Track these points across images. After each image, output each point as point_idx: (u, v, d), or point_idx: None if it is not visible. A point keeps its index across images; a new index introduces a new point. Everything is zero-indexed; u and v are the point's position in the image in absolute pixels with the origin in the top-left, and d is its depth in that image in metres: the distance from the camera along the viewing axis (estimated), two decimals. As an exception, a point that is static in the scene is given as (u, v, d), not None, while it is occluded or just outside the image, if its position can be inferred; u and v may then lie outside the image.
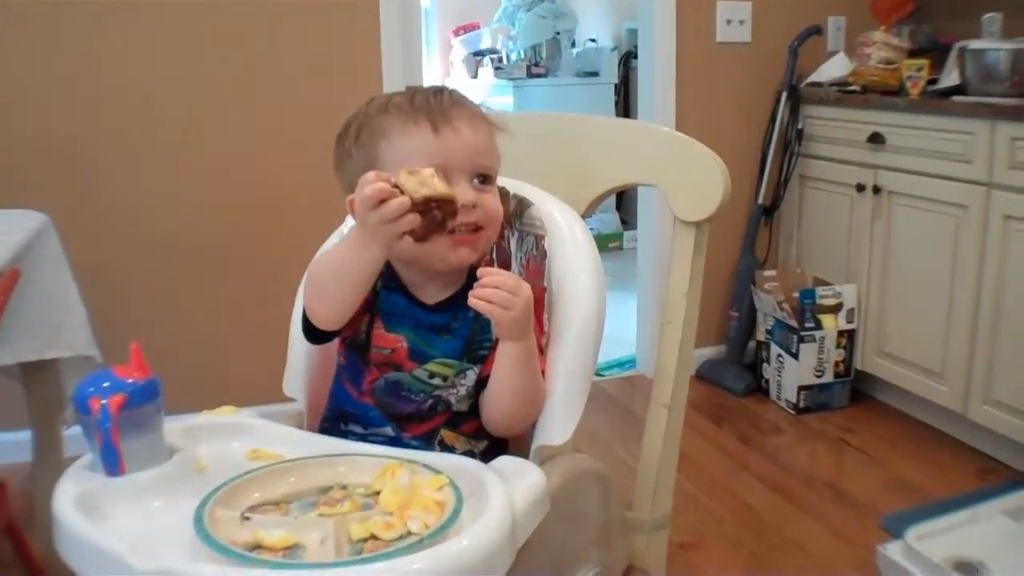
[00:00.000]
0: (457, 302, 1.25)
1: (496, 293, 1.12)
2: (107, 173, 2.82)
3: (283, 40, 2.91)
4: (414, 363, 1.25)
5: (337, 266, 1.16)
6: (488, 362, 1.24)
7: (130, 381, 1.05)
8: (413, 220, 1.08)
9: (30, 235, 1.84)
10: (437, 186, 1.09)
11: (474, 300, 1.13)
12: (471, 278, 1.22)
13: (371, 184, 1.07)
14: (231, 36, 2.86)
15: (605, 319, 1.27)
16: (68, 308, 1.98)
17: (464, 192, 1.19)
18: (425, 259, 1.23)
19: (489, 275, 1.14)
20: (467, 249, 1.23)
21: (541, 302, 1.29)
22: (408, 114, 1.22)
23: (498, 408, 1.24)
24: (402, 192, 1.07)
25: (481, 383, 1.25)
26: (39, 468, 2.10)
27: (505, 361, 1.20)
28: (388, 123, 1.23)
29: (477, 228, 1.22)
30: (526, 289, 1.15)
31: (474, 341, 1.25)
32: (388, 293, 1.27)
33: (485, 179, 1.24)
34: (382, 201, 1.06)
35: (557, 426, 1.22)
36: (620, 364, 3.72)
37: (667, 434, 1.40)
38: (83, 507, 0.98)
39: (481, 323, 1.24)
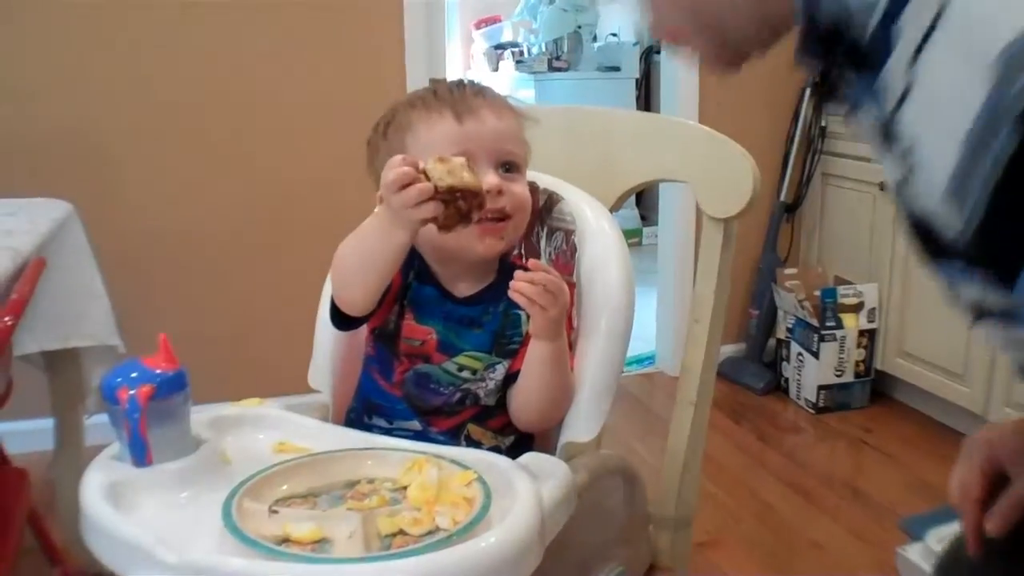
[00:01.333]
0: (488, 295, 1.25)
1: (539, 291, 1.11)
2: (132, 163, 2.82)
3: (307, 33, 2.91)
4: (443, 355, 1.24)
5: (362, 248, 1.15)
6: (518, 357, 1.24)
7: (158, 371, 1.04)
8: (435, 208, 1.06)
9: (55, 224, 1.85)
10: (464, 176, 1.07)
11: (515, 293, 1.12)
12: (502, 272, 1.22)
13: (395, 168, 1.05)
14: (255, 28, 2.87)
15: (634, 316, 1.27)
16: (92, 297, 1.98)
17: (489, 178, 1.18)
18: (452, 250, 1.22)
19: (537, 269, 1.13)
20: (493, 239, 1.22)
21: (570, 298, 1.28)
22: (432, 106, 1.22)
23: (527, 405, 1.23)
24: (427, 179, 1.06)
25: (510, 378, 1.24)
26: (60, 457, 2.11)
27: (537, 359, 1.19)
28: (414, 116, 1.23)
29: (504, 217, 1.22)
30: (567, 291, 1.15)
31: (503, 335, 1.25)
32: (420, 286, 1.27)
33: (511, 167, 1.23)
34: (406, 185, 1.05)
35: (584, 422, 1.22)
36: (639, 361, 3.71)
37: (692, 432, 1.39)
38: (110, 497, 0.98)
39: (511, 317, 1.24)
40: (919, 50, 0.51)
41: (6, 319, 1.37)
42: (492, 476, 1.01)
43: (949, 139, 0.51)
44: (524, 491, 0.97)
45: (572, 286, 1.29)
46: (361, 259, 1.15)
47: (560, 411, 1.24)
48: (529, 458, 1.08)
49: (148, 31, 2.77)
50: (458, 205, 1.08)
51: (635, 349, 3.74)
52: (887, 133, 0.57)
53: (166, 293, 2.89)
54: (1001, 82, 0.47)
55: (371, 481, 1.05)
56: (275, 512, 0.97)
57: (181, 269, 2.92)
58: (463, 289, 1.27)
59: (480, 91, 1.25)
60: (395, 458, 1.07)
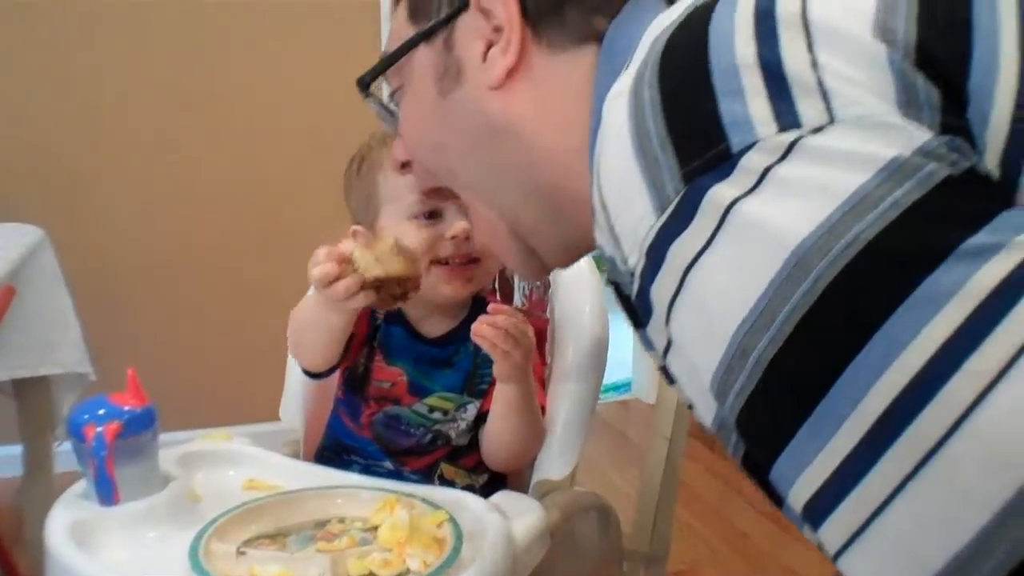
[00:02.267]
0: (459, 334, 1.24)
1: (501, 335, 1.10)
2: (103, 187, 2.80)
3: (282, 47, 2.89)
4: (413, 397, 1.23)
5: (307, 322, 1.17)
6: (488, 396, 1.23)
7: (126, 408, 1.03)
8: (366, 297, 1.06)
9: (25, 251, 1.83)
10: (392, 265, 1.05)
11: (477, 336, 1.11)
12: (475, 310, 1.21)
13: (320, 265, 1.05)
14: (228, 45, 2.84)
15: (607, 352, 1.26)
16: (62, 325, 1.97)
17: (455, 222, 1.17)
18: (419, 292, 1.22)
19: (499, 312, 1.12)
20: (460, 282, 1.21)
21: (544, 334, 1.28)
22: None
23: (498, 448, 1.23)
24: (355, 268, 1.05)
25: (482, 417, 1.24)
26: (29, 484, 2.08)
27: (503, 403, 1.18)
28: (385, 154, 1.21)
29: (472, 260, 1.20)
30: (531, 334, 1.14)
31: (475, 375, 1.24)
32: (388, 327, 1.26)
33: None
34: (333, 281, 1.05)
35: (557, 461, 1.21)
36: (615, 388, 3.70)
37: (667, 466, 1.39)
38: (76, 537, 0.96)
39: (482, 356, 1.22)
40: (669, 316, 0.55)
41: (-27, 349, 1.35)
42: (464, 516, 1.00)
43: (700, 397, 0.57)
44: (495, 532, 0.96)
45: (546, 322, 1.29)
46: (307, 331, 1.18)
47: (531, 452, 1.23)
48: (501, 497, 1.08)
49: (116, 51, 2.74)
50: (391, 291, 1.07)
51: (611, 376, 3.72)
52: (667, 374, 0.63)
53: (136, 319, 2.86)
54: (728, 370, 0.53)
55: (341, 520, 1.04)
56: (243, 553, 0.96)
57: (152, 295, 2.89)
58: (433, 329, 1.26)
59: None
60: (366, 497, 1.06)
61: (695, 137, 0.54)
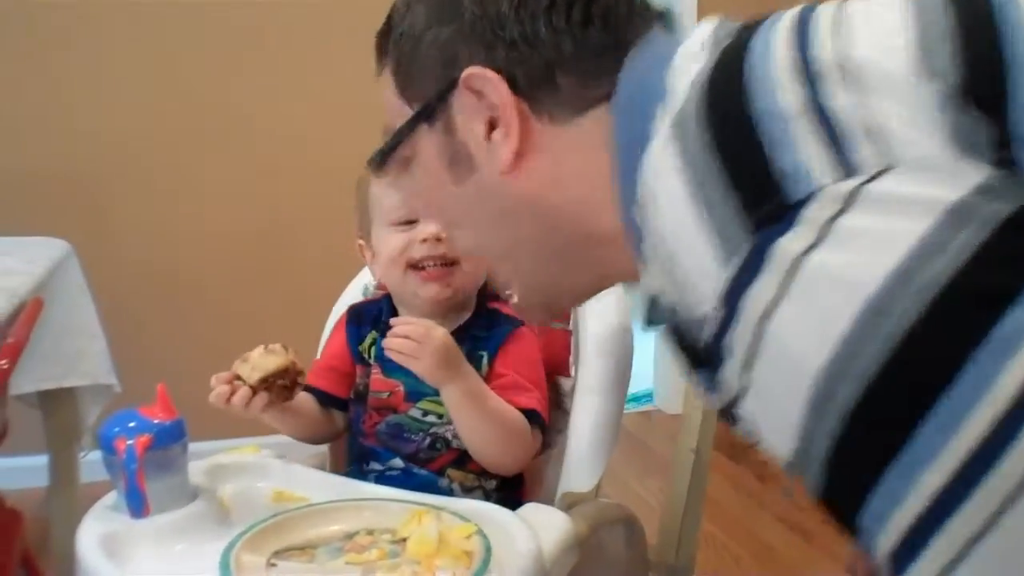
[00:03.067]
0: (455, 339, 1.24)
1: (403, 343, 1.12)
2: (130, 201, 2.82)
3: (306, 65, 2.91)
4: (409, 403, 1.25)
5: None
6: None
7: (156, 421, 1.04)
8: (261, 400, 1.15)
9: (52, 264, 1.84)
10: (266, 364, 1.16)
11: (387, 351, 1.15)
12: (475, 316, 1.26)
13: (213, 392, 1.16)
14: (250, 64, 2.86)
15: (632, 364, 1.26)
16: (88, 336, 1.98)
17: (424, 226, 1.19)
18: (402, 295, 1.27)
19: (398, 324, 1.15)
20: (438, 285, 1.23)
21: (567, 345, 1.28)
22: None
23: (472, 449, 1.22)
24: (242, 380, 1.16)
25: None
26: (55, 495, 2.09)
27: (449, 403, 1.18)
28: None
29: (449, 263, 1.21)
30: (437, 335, 1.14)
31: None
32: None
33: None
34: (229, 399, 1.15)
35: (583, 473, 1.22)
36: (637, 399, 3.69)
37: (693, 479, 1.38)
38: (107, 549, 0.97)
39: (474, 361, 1.23)
40: (748, 364, 0.55)
41: (2, 363, 1.36)
42: (492, 529, 1.00)
43: (779, 437, 0.57)
44: (524, 544, 0.96)
45: (568, 334, 1.29)
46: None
47: (510, 445, 1.20)
48: (529, 509, 1.08)
49: (142, 69, 2.76)
50: (279, 385, 1.17)
51: (633, 386, 3.64)
52: (728, 416, 0.62)
53: (163, 331, 2.88)
54: (813, 415, 0.52)
55: (370, 532, 1.05)
56: (273, 565, 0.97)
57: (178, 307, 2.91)
58: None
59: None
60: (394, 509, 1.07)
61: (753, 188, 0.55)
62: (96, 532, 1.00)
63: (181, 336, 2.90)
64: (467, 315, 1.28)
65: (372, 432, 1.27)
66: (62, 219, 2.52)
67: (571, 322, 1.29)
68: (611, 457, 1.22)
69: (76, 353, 1.94)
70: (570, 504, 1.20)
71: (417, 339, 1.12)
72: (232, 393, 1.14)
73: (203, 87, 2.84)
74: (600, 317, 1.28)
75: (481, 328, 1.26)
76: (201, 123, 2.85)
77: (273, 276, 2.98)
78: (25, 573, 1.90)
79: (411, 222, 1.20)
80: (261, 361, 1.15)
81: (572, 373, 1.28)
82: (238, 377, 1.16)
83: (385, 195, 1.21)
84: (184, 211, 2.87)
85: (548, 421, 1.24)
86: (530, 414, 1.20)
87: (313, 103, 2.94)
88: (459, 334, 1.24)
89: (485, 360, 1.23)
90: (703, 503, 1.41)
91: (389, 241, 1.22)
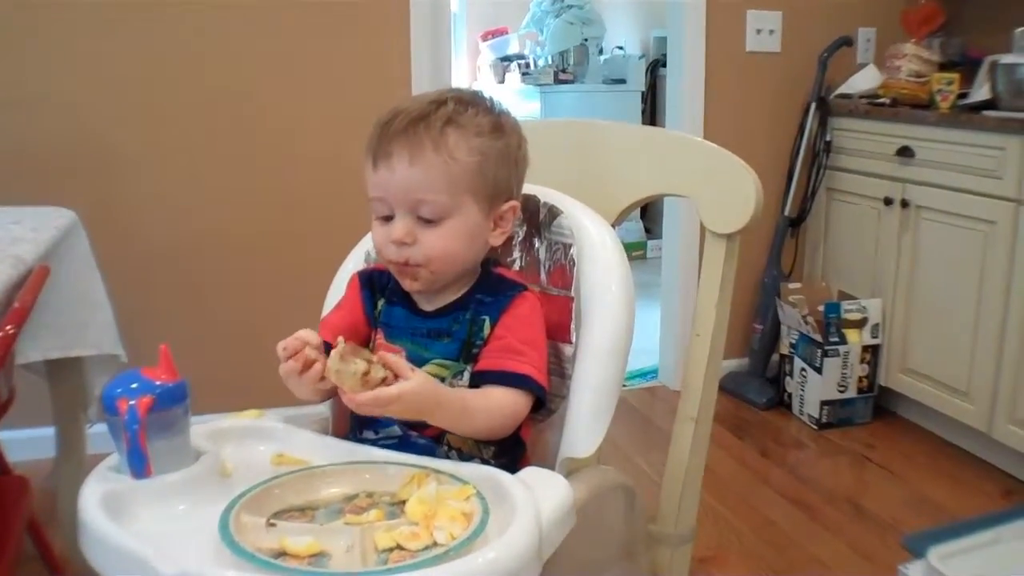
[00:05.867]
0: (456, 306, 1.27)
1: (372, 407, 1.07)
2: (136, 171, 2.83)
3: (314, 41, 2.91)
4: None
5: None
6: (479, 360, 1.24)
7: (158, 383, 1.04)
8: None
9: (59, 233, 1.85)
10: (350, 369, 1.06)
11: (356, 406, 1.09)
12: (480, 281, 1.28)
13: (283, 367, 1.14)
14: (261, 36, 2.87)
15: (633, 332, 1.26)
16: (95, 306, 1.98)
17: (396, 227, 1.20)
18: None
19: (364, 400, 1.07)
20: (406, 280, 1.25)
21: (569, 312, 1.28)
22: (370, 142, 1.23)
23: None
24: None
25: (474, 380, 1.24)
26: (61, 465, 2.11)
27: (435, 424, 1.17)
28: (366, 145, 1.24)
29: (415, 264, 1.22)
30: (407, 389, 1.07)
31: (471, 343, 1.25)
32: (390, 307, 1.31)
33: (427, 215, 1.20)
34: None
35: (583, 439, 1.22)
36: (642, 375, 3.71)
37: (693, 447, 1.39)
38: (109, 509, 0.98)
39: (477, 325, 1.25)
40: None
41: (8, 328, 1.36)
42: (490, 491, 1.01)
43: None
44: (522, 506, 0.97)
45: (571, 300, 1.29)
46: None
47: (503, 429, 1.21)
48: (528, 473, 1.08)
49: (152, 39, 2.77)
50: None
51: (637, 363, 3.73)
52: None
53: (168, 302, 2.89)
54: None
55: (369, 495, 1.05)
56: (272, 525, 0.98)
57: (184, 278, 2.92)
58: (433, 304, 1.29)
59: (410, 130, 1.19)
60: (393, 472, 1.07)
61: None
62: (98, 492, 1.00)
63: (187, 308, 2.91)
64: (472, 282, 1.29)
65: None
66: (70, 190, 2.53)
67: (573, 288, 1.29)
68: (614, 431, 1.22)
69: (83, 323, 1.94)
70: (570, 470, 1.20)
71: (385, 401, 1.07)
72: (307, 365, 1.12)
73: (212, 60, 2.84)
74: (602, 282, 1.28)
75: (486, 293, 1.27)
76: (208, 96, 2.86)
77: (278, 246, 2.99)
78: (32, 540, 1.92)
79: (389, 218, 1.22)
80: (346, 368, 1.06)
81: (573, 340, 1.28)
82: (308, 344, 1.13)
83: (372, 187, 1.22)
84: (191, 182, 2.88)
85: (548, 384, 1.24)
86: (520, 379, 1.20)
87: (322, 77, 2.94)
88: (464, 300, 1.26)
89: (487, 324, 1.24)
90: (703, 469, 1.42)
91: (374, 231, 1.26)
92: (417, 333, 1.27)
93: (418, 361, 1.23)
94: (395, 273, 1.26)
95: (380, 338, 1.30)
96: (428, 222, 1.20)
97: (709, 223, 1.36)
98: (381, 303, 1.32)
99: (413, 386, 1.07)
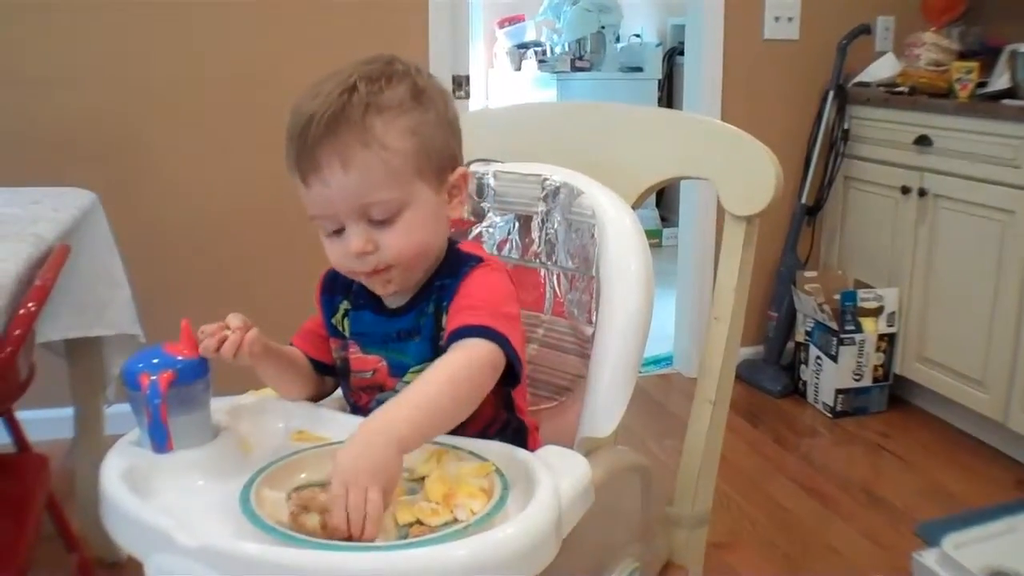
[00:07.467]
0: (419, 298, 1.19)
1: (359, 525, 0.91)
2: (156, 152, 2.84)
3: (333, 26, 2.91)
4: (395, 379, 1.20)
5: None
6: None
7: (180, 358, 1.05)
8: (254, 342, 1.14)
9: (79, 213, 1.86)
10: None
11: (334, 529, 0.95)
12: (442, 264, 1.19)
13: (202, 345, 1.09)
14: (283, 20, 2.87)
15: (652, 311, 1.26)
16: (114, 287, 2.00)
17: (352, 239, 1.11)
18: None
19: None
20: (378, 285, 1.16)
21: (591, 293, 1.28)
22: (288, 156, 1.16)
23: None
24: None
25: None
26: (80, 445, 2.13)
27: None
28: (287, 161, 1.17)
29: (383, 268, 1.13)
30: (375, 499, 0.90)
31: (438, 336, 1.16)
32: (356, 313, 1.24)
33: (380, 216, 1.11)
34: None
35: (602, 418, 1.22)
36: (656, 361, 3.71)
37: (710, 430, 1.39)
38: (130, 482, 0.99)
39: (443, 310, 1.16)
40: None
41: (30, 305, 1.37)
42: (510, 468, 1.01)
43: None
44: (542, 484, 0.97)
45: (592, 280, 1.29)
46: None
47: (481, 390, 1.07)
48: (548, 451, 1.08)
49: (174, 20, 2.78)
50: None
51: (653, 350, 3.73)
52: None
53: (188, 283, 2.90)
54: None
55: (389, 470, 1.05)
56: (292, 499, 0.98)
57: (203, 259, 2.93)
58: (395, 300, 1.21)
59: (331, 131, 1.11)
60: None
61: None
62: (119, 466, 1.01)
63: (206, 287, 2.92)
64: (435, 265, 1.19)
65: (366, 410, 1.21)
66: (90, 171, 2.54)
67: (593, 267, 1.29)
68: (629, 417, 1.22)
69: (102, 303, 1.96)
70: (588, 450, 1.20)
71: (359, 518, 0.91)
72: (221, 342, 1.09)
73: (233, 42, 2.85)
74: (621, 264, 1.28)
75: (446, 276, 1.18)
76: (228, 78, 2.86)
77: (297, 227, 2.98)
78: (51, 518, 1.93)
79: (339, 231, 1.14)
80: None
81: (594, 319, 1.28)
82: (226, 327, 1.11)
83: (310, 205, 1.14)
84: (211, 162, 2.89)
85: (515, 339, 1.11)
86: (476, 330, 1.07)
87: (341, 61, 2.94)
88: (426, 288, 1.18)
89: (444, 310, 1.16)
90: (719, 452, 1.42)
91: (328, 250, 1.17)
92: (389, 338, 1.20)
93: (399, 369, 1.19)
94: (366, 283, 1.17)
95: (356, 352, 1.23)
96: (383, 223, 1.11)
97: (729, 205, 1.36)
98: (344, 307, 1.25)
99: (359, 449, 0.93)
